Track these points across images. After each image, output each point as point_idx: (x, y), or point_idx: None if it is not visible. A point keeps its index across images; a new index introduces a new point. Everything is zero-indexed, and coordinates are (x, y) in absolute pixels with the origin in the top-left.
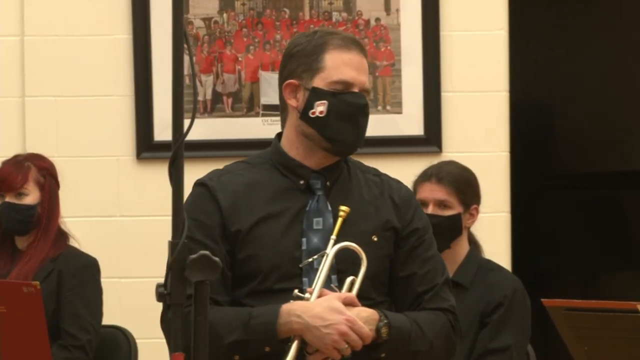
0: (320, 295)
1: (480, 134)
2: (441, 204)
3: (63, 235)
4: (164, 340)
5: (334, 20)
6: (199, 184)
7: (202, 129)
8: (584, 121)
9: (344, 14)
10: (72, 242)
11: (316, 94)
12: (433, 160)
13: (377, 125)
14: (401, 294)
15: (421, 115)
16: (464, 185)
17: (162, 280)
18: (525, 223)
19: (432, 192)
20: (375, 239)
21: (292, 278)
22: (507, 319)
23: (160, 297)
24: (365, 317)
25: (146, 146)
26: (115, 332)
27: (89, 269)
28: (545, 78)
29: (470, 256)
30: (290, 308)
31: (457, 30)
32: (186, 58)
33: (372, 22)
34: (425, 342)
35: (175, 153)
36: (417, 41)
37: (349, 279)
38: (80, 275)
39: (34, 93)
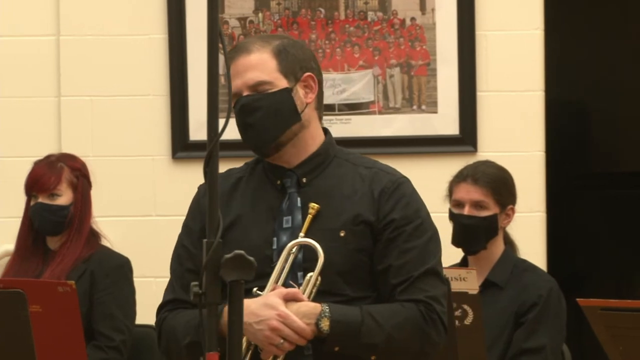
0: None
1: (516, 133)
2: (477, 205)
3: (95, 235)
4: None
5: (369, 19)
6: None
7: (236, 129)
8: (620, 121)
9: (380, 14)
10: (104, 242)
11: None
12: (468, 160)
13: (413, 124)
14: (381, 287)
15: (456, 114)
16: (500, 186)
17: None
18: (561, 223)
19: (468, 192)
20: (343, 234)
21: (264, 277)
22: (542, 319)
23: (195, 296)
24: (304, 312)
25: (181, 146)
26: (150, 332)
27: (121, 269)
28: (582, 77)
29: (506, 256)
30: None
31: (493, 30)
32: (221, 58)
33: (408, 22)
34: (382, 335)
35: (210, 152)
36: (453, 41)
37: (308, 275)
38: (113, 275)
39: (69, 93)
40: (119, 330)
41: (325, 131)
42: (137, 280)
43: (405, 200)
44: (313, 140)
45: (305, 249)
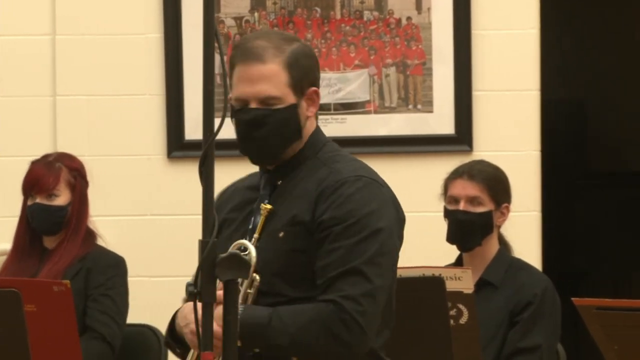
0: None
1: (511, 132)
2: (473, 201)
3: (91, 235)
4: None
5: (365, 19)
6: None
7: (232, 128)
8: (617, 120)
9: (375, 13)
10: (99, 241)
11: (231, 112)
12: (464, 159)
13: (408, 124)
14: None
15: (452, 114)
16: (495, 183)
17: (192, 279)
18: (558, 222)
19: (463, 188)
20: (282, 235)
21: None
22: (537, 318)
23: (190, 296)
24: (218, 314)
25: (177, 145)
26: (145, 331)
27: (116, 267)
28: (577, 76)
29: (501, 255)
30: (181, 309)
31: (489, 29)
32: (217, 57)
33: (404, 21)
34: (285, 336)
35: (206, 152)
36: (449, 40)
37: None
38: (108, 274)
39: (65, 92)
40: (109, 326)
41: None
42: (132, 280)
43: (340, 200)
44: (301, 144)
45: (258, 250)
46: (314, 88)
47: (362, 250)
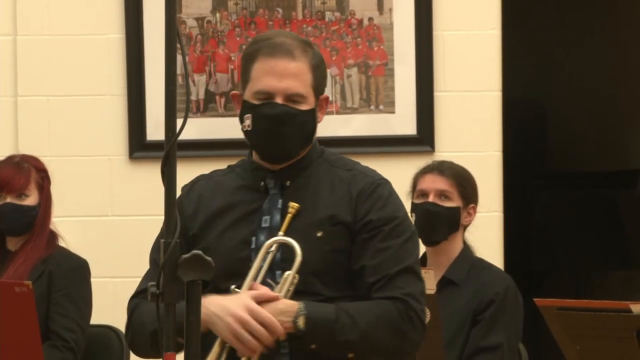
0: (251, 289)
1: (473, 133)
2: (442, 194)
3: (53, 236)
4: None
5: (326, 19)
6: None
7: (194, 129)
8: (577, 120)
9: (337, 14)
10: (61, 243)
11: (245, 107)
12: (426, 160)
13: (370, 124)
14: (358, 287)
15: (414, 114)
16: (464, 181)
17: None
18: (519, 222)
19: (433, 182)
20: (320, 234)
21: (242, 276)
22: (499, 317)
23: (152, 296)
24: (281, 309)
25: (139, 146)
26: (107, 332)
27: (79, 270)
28: (539, 77)
29: (464, 254)
30: (203, 300)
31: (450, 30)
32: (179, 57)
33: (365, 22)
34: (356, 332)
35: (168, 153)
36: (410, 41)
37: (285, 274)
38: (71, 276)
39: (26, 92)
40: (73, 330)
41: None
42: (93, 281)
43: (382, 201)
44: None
45: (283, 248)
46: (326, 94)
47: (410, 250)
